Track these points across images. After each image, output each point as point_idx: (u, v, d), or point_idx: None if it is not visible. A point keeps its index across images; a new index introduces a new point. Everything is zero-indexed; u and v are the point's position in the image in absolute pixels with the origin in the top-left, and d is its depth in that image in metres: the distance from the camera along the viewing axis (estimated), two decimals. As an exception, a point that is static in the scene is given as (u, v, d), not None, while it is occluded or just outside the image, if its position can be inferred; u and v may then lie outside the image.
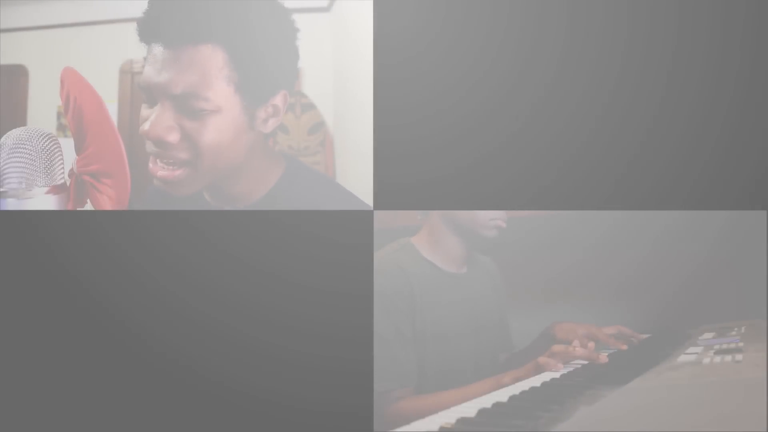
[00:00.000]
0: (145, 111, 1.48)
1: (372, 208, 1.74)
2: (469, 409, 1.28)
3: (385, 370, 1.65)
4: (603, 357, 1.58)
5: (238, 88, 1.44)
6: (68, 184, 1.49)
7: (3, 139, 1.45)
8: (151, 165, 1.49)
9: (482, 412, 1.26)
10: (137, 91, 1.78)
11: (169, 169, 1.47)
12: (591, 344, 1.68)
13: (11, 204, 1.45)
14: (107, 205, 1.47)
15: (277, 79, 1.47)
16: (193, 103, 1.42)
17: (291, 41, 1.48)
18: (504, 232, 1.80)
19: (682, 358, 1.55)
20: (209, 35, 1.41)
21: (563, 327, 1.81)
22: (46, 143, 1.45)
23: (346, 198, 1.64)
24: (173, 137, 1.45)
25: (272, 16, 1.46)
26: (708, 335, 1.81)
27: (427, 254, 1.79)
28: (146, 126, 1.46)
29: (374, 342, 1.66)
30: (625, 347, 1.77)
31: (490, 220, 1.77)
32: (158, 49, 1.43)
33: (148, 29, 1.45)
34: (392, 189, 1.75)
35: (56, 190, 1.47)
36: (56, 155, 1.47)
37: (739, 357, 1.47)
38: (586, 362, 1.61)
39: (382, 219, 1.78)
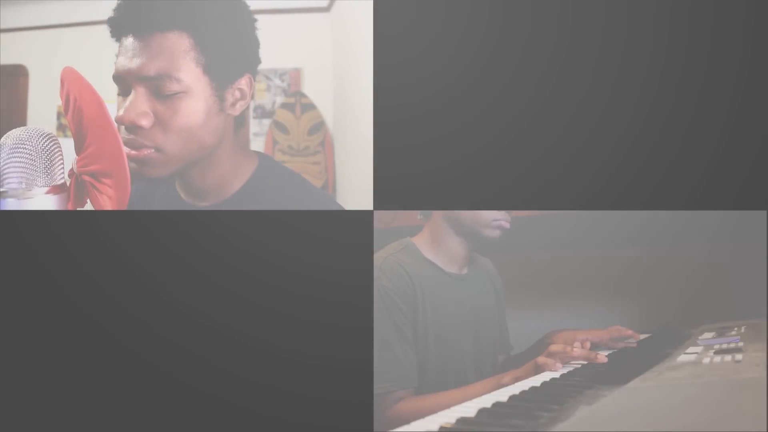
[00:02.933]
0: (120, 102, 1.55)
1: (372, 208, 1.74)
2: (469, 409, 1.28)
3: (385, 371, 1.65)
4: (602, 357, 1.58)
5: (206, 70, 1.52)
6: (68, 184, 1.49)
7: (3, 139, 1.45)
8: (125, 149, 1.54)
9: (482, 412, 1.26)
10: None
11: (138, 150, 1.52)
12: (587, 343, 1.68)
13: (11, 204, 1.44)
14: (107, 205, 1.47)
15: (241, 63, 1.56)
16: (166, 85, 1.50)
17: (251, 31, 1.57)
18: (504, 233, 1.80)
19: (682, 358, 1.55)
20: (175, 23, 1.51)
21: (561, 335, 1.81)
22: (46, 143, 1.45)
23: (320, 197, 1.68)
24: (146, 122, 1.51)
25: (231, 8, 1.57)
26: (708, 335, 1.81)
27: (429, 255, 1.78)
28: (120, 111, 1.52)
29: (375, 342, 1.66)
30: (633, 344, 1.78)
31: (494, 220, 1.77)
32: (129, 40, 1.51)
33: (120, 24, 1.53)
34: (392, 189, 1.75)
35: (56, 190, 1.46)
36: (56, 155, 1.46)
37: (739, 357, 1.47)
38: (585, 362, 1.61)
39: (382, 219, 1.78)
